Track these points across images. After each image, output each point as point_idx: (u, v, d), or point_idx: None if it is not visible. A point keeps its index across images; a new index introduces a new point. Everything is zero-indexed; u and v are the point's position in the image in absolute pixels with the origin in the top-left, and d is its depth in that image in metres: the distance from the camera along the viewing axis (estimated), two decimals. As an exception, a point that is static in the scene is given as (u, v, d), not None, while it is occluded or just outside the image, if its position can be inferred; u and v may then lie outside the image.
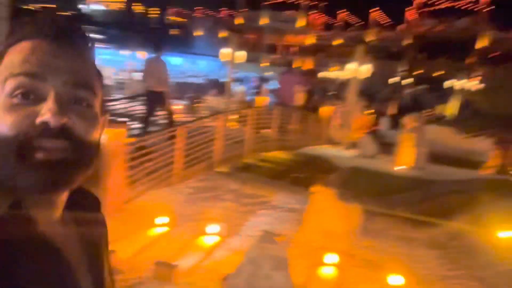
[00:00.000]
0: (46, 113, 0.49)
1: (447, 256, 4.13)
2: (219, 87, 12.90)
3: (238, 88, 11.22)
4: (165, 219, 4.04)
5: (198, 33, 30.54)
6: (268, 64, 26.52)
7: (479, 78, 20.02)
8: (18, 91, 0.50)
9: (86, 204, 0.65)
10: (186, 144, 5.39)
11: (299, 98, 7.50)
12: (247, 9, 27.40)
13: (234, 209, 4.77)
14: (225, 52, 9.26)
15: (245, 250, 3.74)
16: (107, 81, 16.22)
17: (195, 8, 32.58)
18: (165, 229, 3.98)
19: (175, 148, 5.20)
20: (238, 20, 27.13)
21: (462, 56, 23.31)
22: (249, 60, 23.54)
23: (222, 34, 26.63)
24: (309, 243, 3.96)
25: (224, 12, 30.39)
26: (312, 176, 7.59)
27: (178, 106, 11.34)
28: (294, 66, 8.42)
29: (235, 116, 6.97)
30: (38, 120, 0.49)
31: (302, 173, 7.28)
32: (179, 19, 33.23)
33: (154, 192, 4.91)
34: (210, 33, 28.69)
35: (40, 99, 0.51)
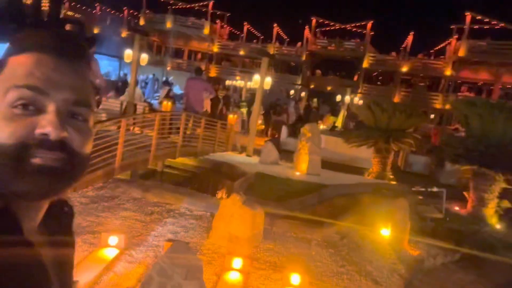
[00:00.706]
0: (46, 125, 0.52)
1: (339, 254, 4.55)
2: (117, 89, 12.22)
3: (137, 90, 10.71)
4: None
5: (96, 30, 28.46)
6: (171, 68, 26.05)
7: (363, 94, 22.62)
8: (19, 102, 0.52)
9: (60, 215, 0.67)
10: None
11: (206, 104, 7.53)
12: (150, 11, 26.52)
13: (137, 218, 4.57)
14: (129, 53, 8.84)
15: (150, 261, 3.62)
16: None
17: (94, 4, 30.33)
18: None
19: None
20: (142, 21, 26.08)
21: (350, 74, 26.08)
22: (154, 63, 22.83)
23: (125, 33, 25.33)
24: (216, 250, 4.00)
25: (126, 12, 28.87)
26: (217, 182, 7.68)
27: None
28: (201, 72, 8.37)
29: (139, 120, 6.68)
30: (38, 131, 0.52)
31: (207, 180, 7.31)
32: (74, 14, 30.54)
33: (44, 202, 4.43)
34: (110, 31, 27.00)
35: (41, 110, 0.53)
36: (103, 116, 8.82)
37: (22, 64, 0.54)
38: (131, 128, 6.44)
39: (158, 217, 4.69)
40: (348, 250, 4.68)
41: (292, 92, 24.21)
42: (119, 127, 5.75)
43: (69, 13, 30.96)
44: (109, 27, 27.72)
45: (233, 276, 3.59)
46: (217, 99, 10.81)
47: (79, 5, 31.05)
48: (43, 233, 0.61)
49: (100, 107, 9.34)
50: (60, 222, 0.66)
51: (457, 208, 8.01)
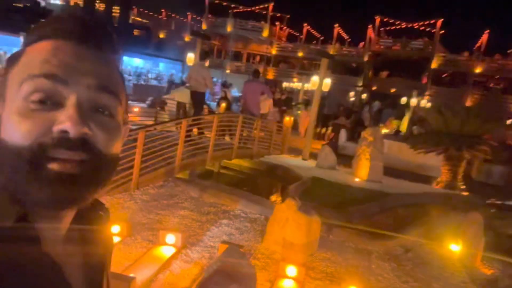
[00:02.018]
0: (65, 120, 0.45)
1: (402, 269, 4.22)
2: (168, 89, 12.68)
3: (185, 90, 11.01)
4: (118, 228, 3.81)
5: (162, 35, 29.97)
6: (229, 71, 26.57)
7: (431, 97, 21.24)
8: (36, 95, 0.46)
9: (94, 219, 0.59)
10: (146, 148, 5.17)
11: (263, 106, 7.50)
12: (212, 15, 27.32)
13: (194, 218, 4.62)
14: (191, 56, 9.11)
15: (205, 262, 3.62)
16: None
17: (160, 9, 31.99)
18: (118, 239, 3.75)
19: (134, 152, 4.97)
20: (204, 26, 26.95)
21: (417, 75, 24.65)
22: (214, 66, 23.46)
23: (188, 38, 26.35)
24: (270, 255, 3.90)
25: (189, 17, 30.04)
26: (272, 185, 7.59)
27: (135, 108, 11.01)
28: (258, 74, 8.36)
29: (198, 122, 6.82)
30: (56, 128, 0.45)
31: (263, 182, 7.25)
32: (142, 20, 32.46)
33: (109, 198, 4.65)
34: (174, 36, 28.25)
35: (59, 104, 0.46)
36: (166, 117, 9.18)
37: (38, 53, 0.48)
38: (194, 131, 6.60)
39: (214, 217, 4.71)
40: (412, 265, 4.32)
41: (352, 94, 23.43)
42: (177, 128, 5.92)
43: (137, 18, 32.95)
44: (173, 32, 29.03)
45: (287, 284, 3.46)
46: (276, 102, 10.79)
47: (146, 11, 32.93)
48: (73, 240, 0.54)
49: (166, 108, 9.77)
50: (93, 226, 0.59)
51: (539, 225, 7.12)
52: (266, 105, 7.58)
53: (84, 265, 0.56)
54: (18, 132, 0.45)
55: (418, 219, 5.85)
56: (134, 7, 32.57)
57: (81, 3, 29.67)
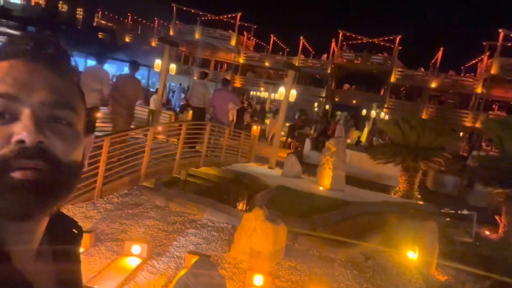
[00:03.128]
0: (21, 130, 0.47)
1: (363, 276, 4.39)
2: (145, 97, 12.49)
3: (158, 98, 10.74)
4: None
5: (128, 39, 29.31)
6: (197, 78, 26.38)
7: (390, 109, 22.21)
8: None
9: (67, 237, 0.61)
10: (110, 156, 5.05)
11: (232, 115, 7.57)
12: (180, 22, 27.14)
13: (160, 227, 4.57)
14: (158, 62, 9.02)
15: (171, 272, 3.60)
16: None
17: (126, 13, 31.33)
18: (81, 249, 3.64)
19: (98, 159, 4.84)
20: (171, 32, 26.69)
21: (377, 88, 25.73)
22: (181, 72, 23.23)
23: (154, 43, 25.96)
24: (237, 264, 3.93)
25: (156, 22, 29.65)
26: (239, 193, 7.64)
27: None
28: (228, 83, 8.44)
29: (165, 129, 6.75)
30: (13, 139, 0.47)
31: (229, 190, 7.28)
32: (107, 23, 31.61)
33: (71, 207, 4.50)
34: (140, 41, 27.73)
35: (16, 118, 0.48)
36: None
37: None
38: (160, 137, 6.51)
39: (180, 227, 4.68)
40: (373, 273, 4.51)
41: (316, 105, 24.04)
42: (145, 135, 5.83)
43: (102, 21, 32.05)
44: (139, 37, 28.50)
45: (254, 293, 3.51)
46: (243, 110, 10.89)
47: (111, 14, 32.12)
48: (45, 258, 0.55)
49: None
50: (66, 244, 0.60)
51: (487, 232, 7.64)
52: (233, 113, 7.66)
53: (57, 283, 0.56)
54: None
55: (377, 227, 6.10)
56: (99, 9, 31.70)
57: (43, 3, 28.50)
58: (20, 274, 0.48)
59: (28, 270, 0.50)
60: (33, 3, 29.04)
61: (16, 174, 0.46)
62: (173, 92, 22.11)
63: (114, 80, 6.57)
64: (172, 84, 22.26)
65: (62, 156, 0.49)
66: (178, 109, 15.05)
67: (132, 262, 3.60)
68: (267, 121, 13.62)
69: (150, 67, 19.58)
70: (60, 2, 29.27)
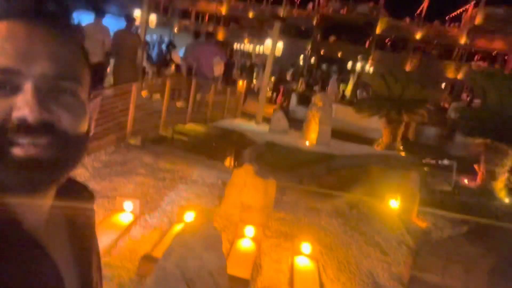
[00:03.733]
0: (23, 107, 0.44)
1: (348, 224, 4.60)
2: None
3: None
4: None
5: (101, -11, 27.60)
6: (177, 30, 25.46)
7: (375, 62, 22.13)
8: None
9: (76, 197, 0.59)
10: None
11: (217, 69, 7.41)
12: (157, -31, 25.63)
13: (150, 184, 4.61)
14: (137, 14, 8.60)
15: (164, 226, 3.69)
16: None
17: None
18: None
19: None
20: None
21: (362, 40, 25.40)
22: (160, 24, 22.27)
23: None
24: (228, 218, 4.06)
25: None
26: (226, 149, 7.69)
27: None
28: (212, 36, 8.16)
29: (149, 85, 6.61)
30: (14, 114, 0.44)
31: (217, 147, 7.32)
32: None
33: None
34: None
35: (17, 89, 0.45)
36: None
37: None
38: (143, 93, 6.38)
39: (170, 183, 4.73)
40: (357, 221, 4.72)
41: (301, 57, 23.70)
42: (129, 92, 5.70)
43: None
44: (115, -14, 26.87)
45: (246, 244, 3.66)
46: (229, 65, 10.64)
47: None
48: (56, 222, 0.55)
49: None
50: (77, 208, 0.60)
51: (466, 181, 8.00)
52: (219, 68, 7.48)
53: (71, 246, 0.56)
54: None
55: (361, 179, 6.32)
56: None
57: None
58: (30, 237, 0.48)
59: (40, 235, 0.49)
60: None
61: (18, 151, 0.44)
62: (153, 46, 21.31)
63: (113, 35, 6.27)
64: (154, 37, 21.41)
65: (69, 129, 0.47)
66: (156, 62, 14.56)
67: (124, 218, 3.66)
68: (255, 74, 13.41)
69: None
70: None
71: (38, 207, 0.51)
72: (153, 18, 9.21)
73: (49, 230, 0.52)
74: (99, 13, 6.15)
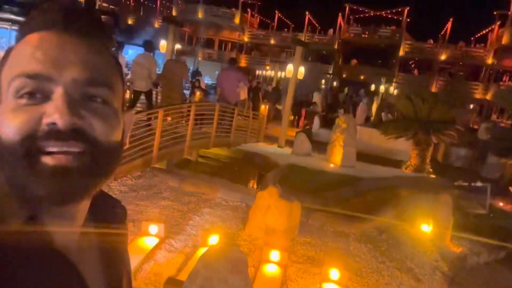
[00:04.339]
0: (53, 112, 0.44)
1: (378, 249, 4.42)
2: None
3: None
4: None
5: (130, 21, 29.02)
6: (201, 58, 26.17)
7: (399, 83, 21.88)
8: (23, 91, 0.45)
9: (110, 217, 0.59)
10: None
11: (240, 94, 7.52)
12: (182, 1, 26.72)
13: (174, 207, 4.62)
14: (163, 43, 8.92)
15: (189, 250, 3.65)
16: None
17: (126, -5, 30.89)
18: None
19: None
20: (174, 12, 26.32)
21: (385, 63, 25.28)
22: (185, 53, 22.99)
23: (157, 24, 25.66)
24: (253, 241, 3.98)
25: (158, 2, 29.21)
26: (250, 172, 7.67)
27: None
28: (235, 62, 8.37)
29: (175, 111, 6.74)
30: (45, 120, 0.43)
31: (241, 170, 7.31)
32: (109, 5, 31.22)
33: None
34: (143, 22, 27.44)
35: (47, 97, 0.45)
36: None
37: (24, 48, 0.47)
38: (168, 118, 6.53)
39: (195, 206, 4.72)
40: (387, 246, 4.53)
41: (323, 81, 23.74)
42: (155, 117, 5.82)
43: (104, 4, 31.65)
44: (142, 18, 28.20)
45: (271, 269, 3.56)
46: (251, 90, 10.82)
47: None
48: (88, 239, 0.54)
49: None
50: (110, 224, 0.58)
51: (501, 204, 7.61)
52: (243, 93, 7.62)
53: (102, 263, 0.55)
54: (11, 128, 0.44)
55: (390, 202, 6.10)
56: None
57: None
58: (61, 255, 0.46)
59: (72, 251, 0.48)
60: (34, -12, 28.79)
61: (48, 160, 0.43)
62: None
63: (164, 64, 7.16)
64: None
65: (101, 137, 0.46)
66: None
67: (150, 241, 3.65)
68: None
69: (154, 49, 19.40)
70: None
71: (69, 222, 0.50)
72: (178, 47, 9.52)
73: (80, 247, 0.51)
74: (148, 47, 6.93)
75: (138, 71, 6.70)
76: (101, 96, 0.48)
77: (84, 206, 0.51)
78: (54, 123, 0.43)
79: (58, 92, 0.45)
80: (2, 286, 0.40)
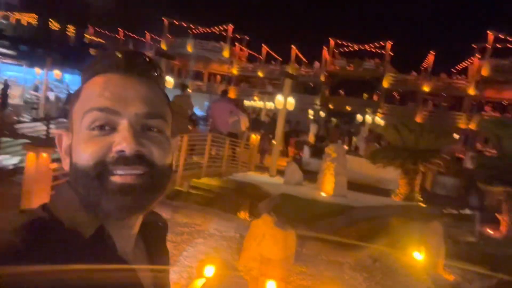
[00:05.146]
0: (121, 142, 0.52)
1: (373, 279, 4.41)
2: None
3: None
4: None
5: (119, 54, 29.38)
6: (191, 90, 26.47)
7: (384, 114, 22.42)
8: (95, 124, 0.54)
9: (155, 229, 0.68)
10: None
11: (238, 125, 7.68)
12: (171, 36, 27.34)
13: (168, 239, 4.54)
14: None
15: (184, 282, 3.59)
16: (15, 101, 14.71)
17: (117, 28, 31.50)
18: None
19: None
20: (163, 46, 26.88)
21: (370, 94, 26.00)
22: (176, 85, 23.27)
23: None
24: (248, 272, 3.94)
25: (148, 36, 29.82)
26: (243, 202, 7.64)
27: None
28: (226, 93, 8.57)
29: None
30: (114, 148, 0.52)
31: (233, 200, 7.28)
32: (99, 39, 31.72)
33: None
34: (133, 55, 27.84)
35: (115, 129, 0.54)
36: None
37: (93, 87, 0.56)
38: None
39: (188, 237, 4.68)
40: (382, 275, 4.52)
41: (312, 113, 24.19)
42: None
43: (94, 38, 32.14)
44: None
45: (267, 300, 3.51)
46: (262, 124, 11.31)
47: (102, 31, 32.27)
48: (139, 248, 0.62)
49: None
50: (155, 237, 0.67)
51: (490, 231, 7.70)
52: (243, 123, 7.84)
53: (151, 271, 0.62)
54: (85, 155, 0.53)
55: (382, 231, 6.13)
56: (89, 26, 31.86)
57: (34, 22, 28.61)
58: (124, 261, 0.54)
59: (129, 258, 0.56)
60: (24, 23, 29.15)
61: (117, 179, 0.52)
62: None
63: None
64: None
65: (158, 161, 0.55)
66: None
67: (144, 273, 3.59)
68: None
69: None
70: (51, 21, 29.42)
71: (129, 234, 0.58)
72: (170, 80, 9.70)
73: (135, 255, 0.59)
74: (184, 88, 7.98)
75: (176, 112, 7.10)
76: (157, 126, 0.57)
77: (139, 219, 0.60)
78: (122, 151, 0.52)
79: (123, 125, 0.53)
80: (75, 285, 0.46)
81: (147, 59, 0.60)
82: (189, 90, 8.29)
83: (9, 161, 4.17)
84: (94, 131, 0.53)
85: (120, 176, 0.52)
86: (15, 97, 14.62)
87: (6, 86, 14.37)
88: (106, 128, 0.54)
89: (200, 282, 3.29)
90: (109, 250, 0.53)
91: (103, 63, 0.58)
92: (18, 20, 28.53)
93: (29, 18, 29.40)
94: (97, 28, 32.61)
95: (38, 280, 0.44)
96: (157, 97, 0.58)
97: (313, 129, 15.75)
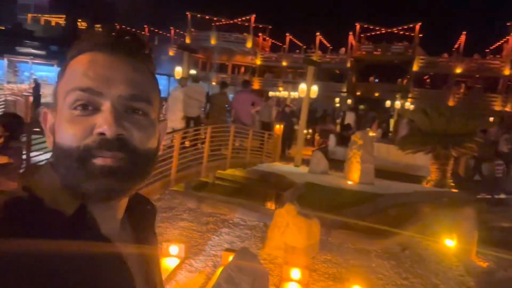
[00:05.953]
0: (102, 124, 0.51)
1: (402, 266, 4.32)
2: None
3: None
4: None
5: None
6: (215, 83, 26.66)
7: (414, 99, 21.69)
8: (77, 104, 0.53)
9: (143, 213, 0.67)
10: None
11: (268, 114, 7.70)
12: (195, 29, 27.52)
13: (194, 228, 4.65)
14: (178, 70, 9.18)
15: (209, 270, 3.66)
16: (47, 100, 15.34)
17: (143, 25, 32.09)
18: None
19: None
20: (188, 40, 27.10)
21: (399, 78, 25.20)
22: (200, 78, 23.51)
23: (172, 52, 26.43)
24: (273, 260, 3.96)
25: (172, 31, 30.17)
26: (268, 192, 7.66)
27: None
28: (248, 84, 8.59)
29: (190, 134, 6.87)
30: (95, 131, 0.51)
31: (258, 190, 7.32)
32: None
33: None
34: (158, 51, 28.32)
35: (97, 109, 0.53)
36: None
37: (77, 66, 0.54)
38: (186, 143, 6.65)
39: (213, 227, 4.75)
40: (411, 262, 4.43)
41: (337, 100, 23.76)
42: (171, 141, 5.96)
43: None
44: (157, 47, 29.12)
45: (292, 287, 3.52)
46: (290, 114, 11.51)
47: (129, 28, 32.88)
48: (126, 232, 0.61)
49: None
50: (143, 220, 0.66)
51: (528, 216, 7.33)
52: (272, 112, 7.91)
53: (138, 255, 0.61)
54: (67, 136, 0.52)
55: (411, 218, 5.97)
56: (116, 24, 32.57)
57: (62, 23, 29.58)
58: (108, 240, 0.54)
59: (115, 239, 0.55)
60: (53, 24, 30.17)
61: (98, 161, 0.51)
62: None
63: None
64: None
65: (140, 145, 0.53)
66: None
67: (170, 262, 3.68)
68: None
69: (170, 76, 19.93)
70: (79, 21, 30.31)
71: (113, 216, 0.58)
72: (193, 72, 9.80)
73: (121, 237, 0.58)
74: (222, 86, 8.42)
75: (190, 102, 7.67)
76: (142, 109, 0.55)
77: (124, 202, 0.59)
78: (103, 133, 0.51)
79: (106, 106, 0.52)
80: (57, 263, 0.46)
81: (135, 38, 0.58)
82: (226, 89, 8.87)
83: (41, 157, 4.35)
84: (76, 111, 0.52)
85: (101, 159, 0.51)
86: (46, 96, 15.21)
87: (38, 85, 14.96)
88: (89, 108, 0.52)
89: (224, 270, 3.34)
90: (91, 229, 0.52)
91: (89, 41, 0.56)
92: (47, 22, 29.57)
93: (58, 19, 30.43)
94: (123, 27, 33.30)
95: (17, 259, 0.44)
96: (144, 78, 0.57)
97: (349, 117, 15.41)
